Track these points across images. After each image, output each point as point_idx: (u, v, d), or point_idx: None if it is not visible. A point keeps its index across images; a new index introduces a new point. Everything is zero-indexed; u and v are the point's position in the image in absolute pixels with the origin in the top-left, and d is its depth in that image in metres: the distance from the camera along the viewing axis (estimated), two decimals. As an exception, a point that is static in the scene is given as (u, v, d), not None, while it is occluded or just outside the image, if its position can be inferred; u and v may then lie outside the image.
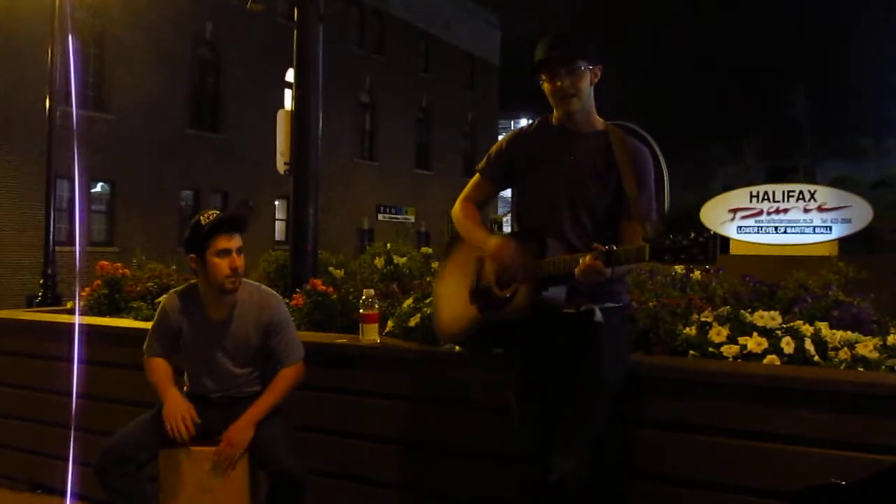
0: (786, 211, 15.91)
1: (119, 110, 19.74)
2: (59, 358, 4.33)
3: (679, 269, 3.84)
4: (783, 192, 16.03)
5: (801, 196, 15.89)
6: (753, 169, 41.45)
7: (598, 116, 2.83)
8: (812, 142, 44.46)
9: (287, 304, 3.61)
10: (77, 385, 4.24)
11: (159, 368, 3.27)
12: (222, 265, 3.11)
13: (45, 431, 4.37)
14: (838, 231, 15.60)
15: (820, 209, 15.70)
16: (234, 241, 3.14)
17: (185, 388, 3.31)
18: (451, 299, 2.99)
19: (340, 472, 3.57)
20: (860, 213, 15.58)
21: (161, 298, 4.37)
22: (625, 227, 2.69)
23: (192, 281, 3.31)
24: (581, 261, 2.48)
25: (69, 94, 12.43)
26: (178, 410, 3.08)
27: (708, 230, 2.35)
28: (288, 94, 19.32)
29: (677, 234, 2.34)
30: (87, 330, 4.29)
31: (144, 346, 3.34)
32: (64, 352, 4.31)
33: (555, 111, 2.82)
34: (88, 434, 3.88)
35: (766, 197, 16.08)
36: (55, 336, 4.37)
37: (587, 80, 2.74)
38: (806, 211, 15.80)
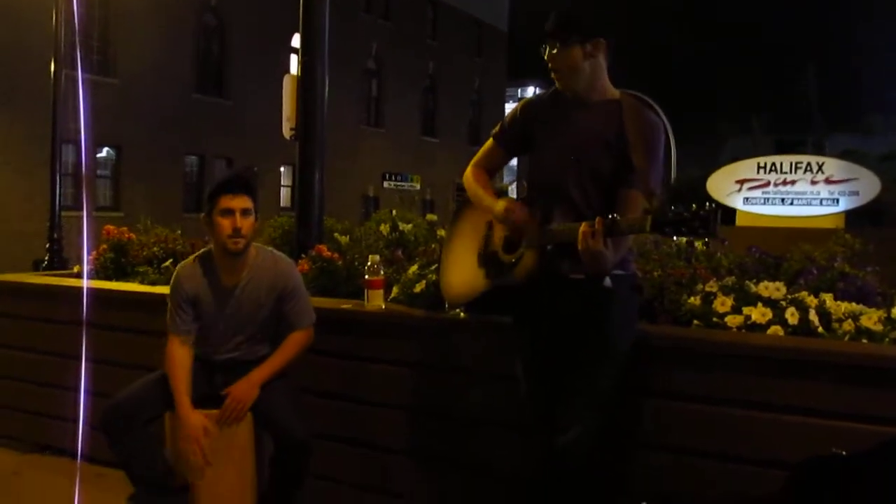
0: (793, 182, 15.81)
1: (124, 75, 19.66)
2: (65, 322, 4.36)
3: (683, 239, 3.83)
4: (791, 164, 15.92)
5: (808, 168, 15.78)
6: (762, 143, 41.13)
7: (610, 86, 2.80)
8: (821, 116, 44.09)
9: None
10: (83, 348, 4.27)
11: (177, 366, 3.14)
12: (224, 224, 3.10)
13: (52, 394, 4.41)
14: (845, 204, 15.52)
15: (827, 181, 15.60)
16: (238, 202, 3.12)
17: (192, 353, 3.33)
18: (459, 264, 3.00)
19: (344, 436, 3.60)
20: (868, 186, 15.47)
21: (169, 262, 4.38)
22: (625, 195, 2.65)
23: (209, 247, 3.31)
24: (581, 230, 2.47)
25: (74, 57, 12.35)
26: (193, 435, 3.02)
27: (710, 203, 2.33)
28: (294, 59, 19.19)
29: (679, 207, 2.33)
30: (94, 294, 4.32)
31: (167, 320, 3.26)
32: (71, 315, 4.34)
33: None
34: (95, 396, 3.91)
35: (773, 168, 15.97)
36: (62, 300, 4.39)
37: (577, 55, 2.70)
38: (813, 183, 15.70)
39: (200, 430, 3.03)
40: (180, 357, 3.19)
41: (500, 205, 2.78)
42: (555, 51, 2.72)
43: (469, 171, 3.01)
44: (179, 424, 3.07)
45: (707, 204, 2.32)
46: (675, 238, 3.55)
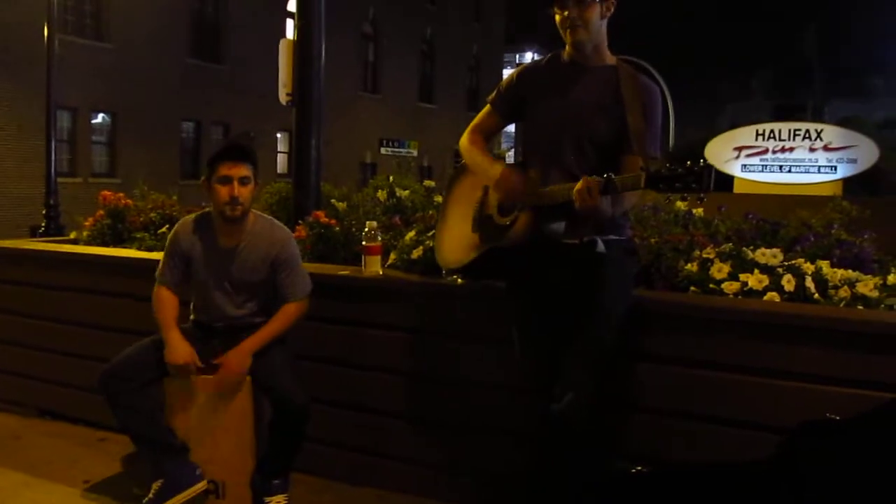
0: (791, 150, 15.81)
1: (119, 39, 19.45)
2: (64, 288, 4.37)
3: (682, 205, 3.84)
4: (789, 131, 15.90)
5: (807, 135, 15.77)
6: (762, 107, 41.00)
7: (609, 52, 2.81)
8: (821, 81, 43.92)
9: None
10: (81, 314, 4.29)
11: (165, 304, 3.26)
12: (222, 192, 3.12)
13: (51, 359, 4.42)
14: (843, 171, 15.53)
15: (826, 148, 15.59)
16: (237, 170, 3.13)
17: (191, 317, 3.35)
18: (454, 229, 3.02)
19: (342, 401, 3.63)
20: (866, 153, 15.47)
21: (166, 228, 4.38)
22: (626, 160, 2.66)
23: (208, 208, 3.32)
24: (577, 188, 2.48)
25: (68, 22, 12.21)
26: (181, 356, 3.11)
27: (704, 160, 2.37)
28: (290, 23, 19.00)
29: (674, 163, 2.35)
30: (92, 260, 4.32)
31: (157, 272, 3.34)
32: (69, 281, 4.35)
33: (566, 46, 2.80)
34: (93, 362, 3.93)
35: (771, 135, 15.96)
36: (60, 266, 4.39)
37: (596, 12, 2.70)
38: (812, 150, 15.70)
39: (189, 357, 3.12)
40: (167, 297, 3.29)
41: (496, 170, 2.79)
42: (572, 4, 2.67)
43: (465, 137, 3.01)
44: (166, 347, 3.13)
45: (701, 160, 2.35)
46: (668, 197, 3.57)
